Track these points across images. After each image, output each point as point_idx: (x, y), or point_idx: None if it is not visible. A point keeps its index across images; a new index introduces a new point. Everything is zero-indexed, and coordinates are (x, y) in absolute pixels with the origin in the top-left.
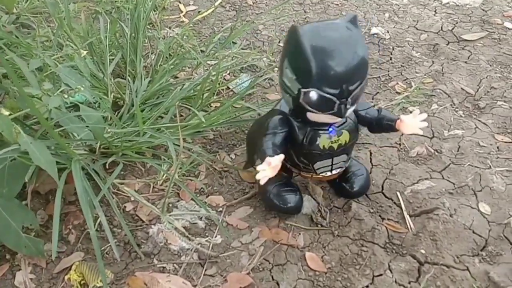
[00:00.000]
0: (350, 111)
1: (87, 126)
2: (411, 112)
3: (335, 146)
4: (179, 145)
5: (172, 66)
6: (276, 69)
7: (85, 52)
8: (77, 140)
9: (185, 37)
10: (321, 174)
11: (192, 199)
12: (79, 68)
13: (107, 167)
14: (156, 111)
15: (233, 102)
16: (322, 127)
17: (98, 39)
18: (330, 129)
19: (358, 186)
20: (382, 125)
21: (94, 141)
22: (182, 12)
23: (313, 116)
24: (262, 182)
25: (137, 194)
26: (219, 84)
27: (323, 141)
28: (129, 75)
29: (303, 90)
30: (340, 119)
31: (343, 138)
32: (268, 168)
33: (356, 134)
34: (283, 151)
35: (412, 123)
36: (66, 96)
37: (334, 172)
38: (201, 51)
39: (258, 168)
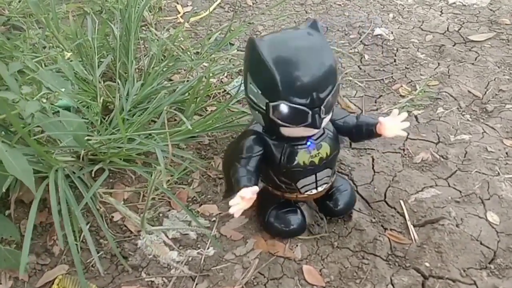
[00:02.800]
0: (326, 120)
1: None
2: (415, 116)
3: (316, 160)
4: (168, 152)
5: (165, 69)
6: None
7: (69, 54)
8: (59, 147)
9: (180, 38)
10: (306, 193)
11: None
12: (66, 71)
13: (94, 175)
14: (147, 115)
15: (227, 105)
16: (300, 142)
17: (87, 40)
18: (308, 143)
19: (343, 204)
20: (362, 131)
21: (79, 148)
22: (179, 13)
23: (288, 131)
24: (236, 216)
25: (122, 204)
26: (215, 87)
27: (302, 156)
28: (120, 78)
29: (271, 104)
30: (316, 130)
31: (324, 150)
32: (242, 201)
33: (337, 145)
34: (258, 177)
35: (392, 124)
36: (45, 100)
37: (320, 189)
38: (197, 52)
39: (231, 203)
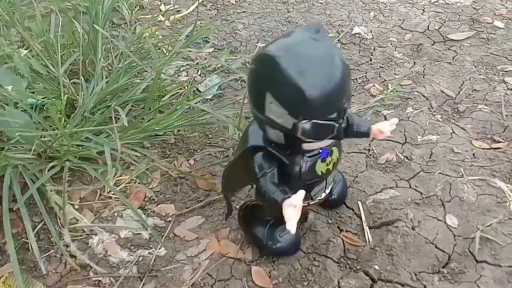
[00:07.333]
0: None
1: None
2: (384, 116)
3: (331, 167)
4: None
5: (133, 65)
6: None
7: (25, 51)
8: (9, 143)
9: (152, 37)
10: (317, 198)
11: (139, 207)
12: (21, 68)
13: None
14: (100, 114)
15: (181, 103)
16: (313, 152)
17: (53, 38)
18: (320, 151)
19: (337, 194)
20: (357, 133)
21: (38, 145)
22: (161, 11)
23: (309, 146)
24: (293, 231)
25: (59, 199)
26: (183, 84)
27: (320, 167)
28: (88, 75)
29: (300, 124)
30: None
31: (335, 155)
32: (295, 211)
33: (341, 146)
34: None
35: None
36: None
37: (327, 191)
38: (169, 50)
39: (289, 217)
